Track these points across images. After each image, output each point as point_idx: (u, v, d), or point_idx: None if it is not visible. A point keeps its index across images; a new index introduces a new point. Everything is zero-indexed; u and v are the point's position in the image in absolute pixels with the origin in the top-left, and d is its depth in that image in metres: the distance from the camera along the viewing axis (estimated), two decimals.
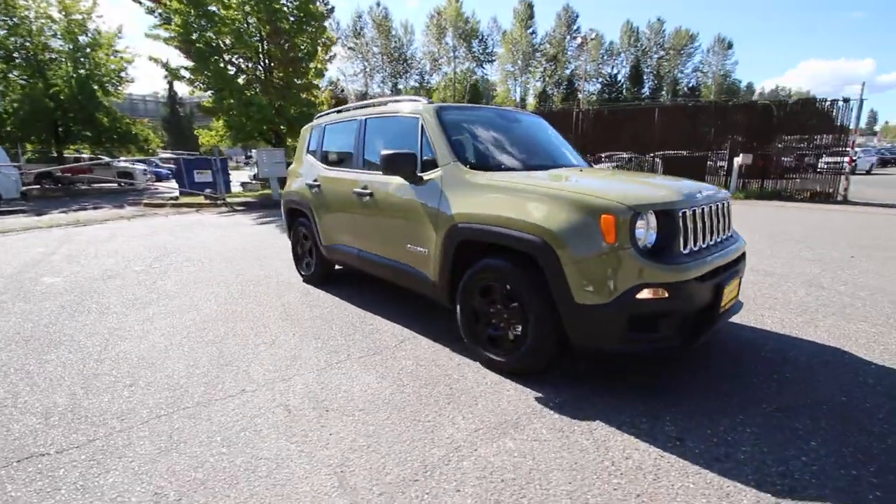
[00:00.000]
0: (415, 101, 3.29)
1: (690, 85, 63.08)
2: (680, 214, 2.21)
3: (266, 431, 2.08)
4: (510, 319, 2.50)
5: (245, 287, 4.44)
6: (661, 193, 2.29)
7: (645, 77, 62.68)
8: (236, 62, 14.78)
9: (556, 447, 1.92)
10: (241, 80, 14.41)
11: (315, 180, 4.13)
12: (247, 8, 13.46)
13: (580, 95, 50.46)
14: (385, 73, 61.59)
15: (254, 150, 24.69)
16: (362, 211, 3.51)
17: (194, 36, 13.14)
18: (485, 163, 2.94)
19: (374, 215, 3.39)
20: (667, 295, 2.11)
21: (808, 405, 2.20)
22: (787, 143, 12.90)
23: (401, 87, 62.69)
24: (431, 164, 2.96)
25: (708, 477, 1.72)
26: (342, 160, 3.96)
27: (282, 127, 15.67)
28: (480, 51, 60.14)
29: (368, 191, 3.40)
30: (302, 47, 14.82)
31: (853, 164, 12.77)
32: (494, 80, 63.90)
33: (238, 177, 19.62)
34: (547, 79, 61.43)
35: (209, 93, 14.48)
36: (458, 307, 2.77)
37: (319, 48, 15.20)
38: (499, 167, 2.94)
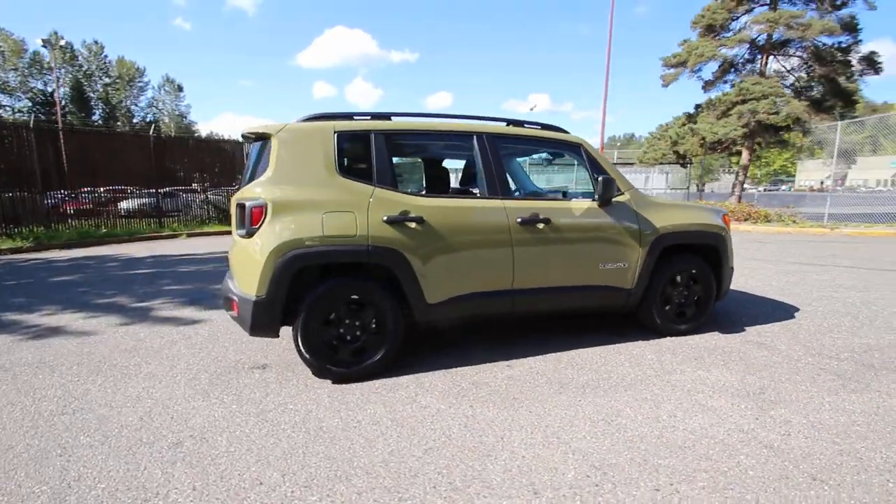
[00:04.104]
0: (555, 127, 3.36)
1: (148, 119, 60.50)
2: None
3: None
4: (690, 295, 3.62)
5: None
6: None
7: (94, 104, 54.56)
8: None
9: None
10: None
11: (403, 213, 2.79)
12: None
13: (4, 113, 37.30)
14: None
15: None
16: (529, 242, 3.08)
17: None
18: None
19: (554, 243, 3.16)
20: None
21: None
22: None
23: None
24: None
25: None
26: (447, 184, 2.99)
27: None
28: None
29: (542, 217, 3.08)
30: None
31: None
32: None
33: None
34: None
35: None
36: (656, 300, 3.47)
37: None
38: None
